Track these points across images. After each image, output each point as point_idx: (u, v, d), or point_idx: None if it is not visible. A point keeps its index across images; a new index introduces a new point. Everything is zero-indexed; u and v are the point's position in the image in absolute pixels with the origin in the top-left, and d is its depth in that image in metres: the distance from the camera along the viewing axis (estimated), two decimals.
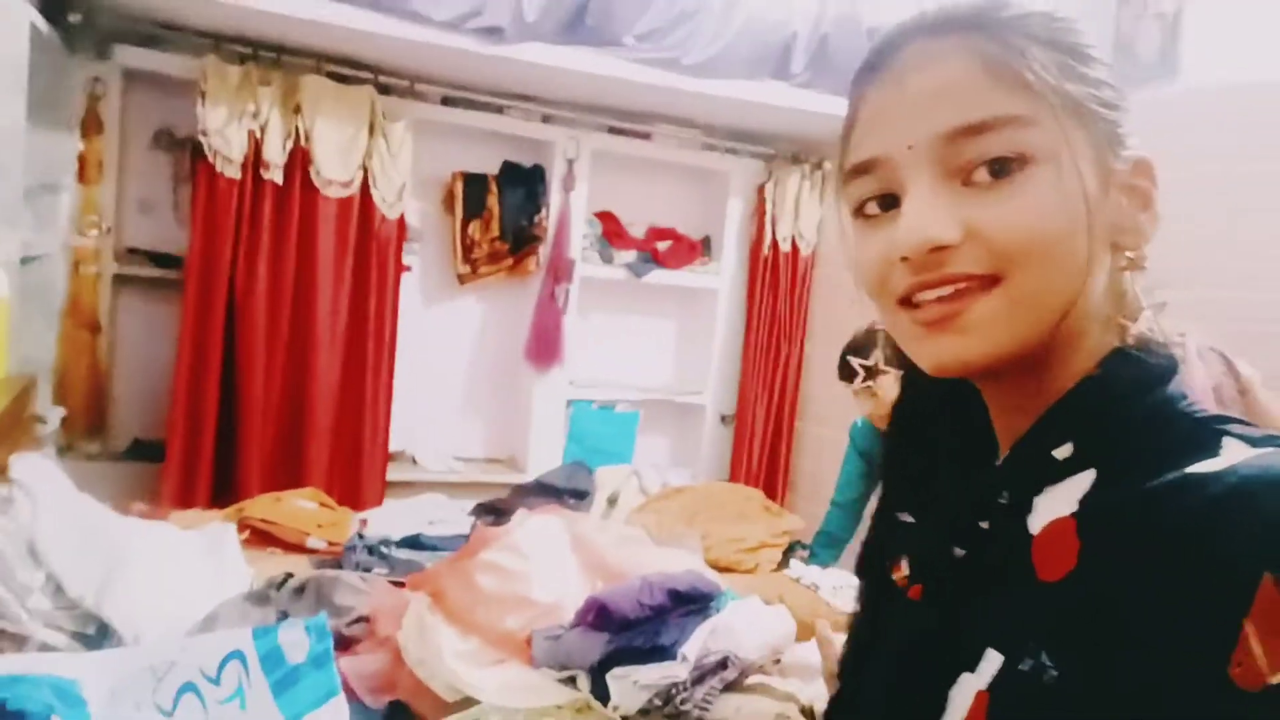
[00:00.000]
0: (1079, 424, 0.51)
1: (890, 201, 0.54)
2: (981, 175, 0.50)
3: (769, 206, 3.93)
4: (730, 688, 1.40)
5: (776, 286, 3.97)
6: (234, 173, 3.08)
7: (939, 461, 0.61)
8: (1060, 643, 0.46)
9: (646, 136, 3.86)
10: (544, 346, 3.74)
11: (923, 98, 0.52)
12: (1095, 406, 0.51)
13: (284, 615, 1.64)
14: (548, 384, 3.79)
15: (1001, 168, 0.50)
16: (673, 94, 3.31)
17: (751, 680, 1.44)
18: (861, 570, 0.66)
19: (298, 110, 3.18)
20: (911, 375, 0.65)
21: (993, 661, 0.50)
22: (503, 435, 4.01)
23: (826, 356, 3.97)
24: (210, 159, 3.05)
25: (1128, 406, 0.50)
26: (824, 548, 2.68)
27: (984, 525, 0.54)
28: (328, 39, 3.04)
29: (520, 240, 3.72)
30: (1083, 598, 0.46)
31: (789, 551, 2.41)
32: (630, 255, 3.89)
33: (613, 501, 2.54)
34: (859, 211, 0.56)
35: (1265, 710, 0.39)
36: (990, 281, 0.50)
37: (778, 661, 1.53)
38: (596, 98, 3.58)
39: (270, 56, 3.13)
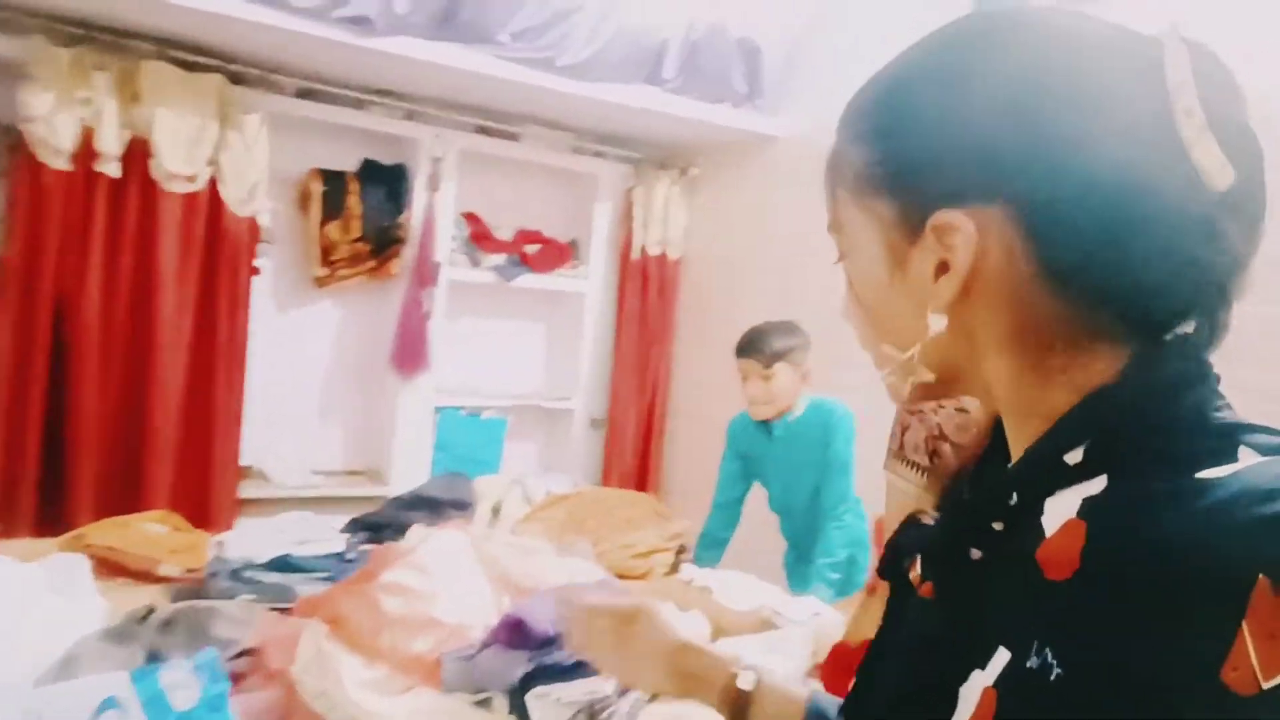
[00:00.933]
0: (1091, 430, 0.51)
1: None
2: None
3: (638, 211, 3.93)
4: (653, 697, 1.37)
5: (646, 290, 3.99)
6: (62, 164, 2.79)
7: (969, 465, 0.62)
8: (1065, 641, 0.47)
9: (514, 137, 3.78)
10: (409, 352, 3.59)
11: None
12: (1108, 414, 0.51)
13: (153, 653, 1.49)
14: (413, 391, 3.65)
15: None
16: (545, 94, 3.26)
17: None
18: (883, 570, 0.65)
19: (136, 98, 2.91)
20: None
21: (1003, 659, 0.50)
22: (364, 446, 3.83)
23: (695, 358, 4.03)
24: (33, 150, 2.75)
25: (1142, 414, 0.50)
26: (706, 549, 2.70)
27: (997, 526, 0.55)
28: (172, 22, 2.80)
29: (383, 242, 3.57)
30: (1086, 598, 0.47)
31: (679, 554, 2.41)
32: (499, 258, 3.80)
33: (496, 512, 2.46)
34: None
35: (1261, 714, 0.40)
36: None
37: None
38: (464, 95, 3.48)
39: (106, 39, 2.86)
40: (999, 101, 0.50)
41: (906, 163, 0.54)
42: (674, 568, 2.33)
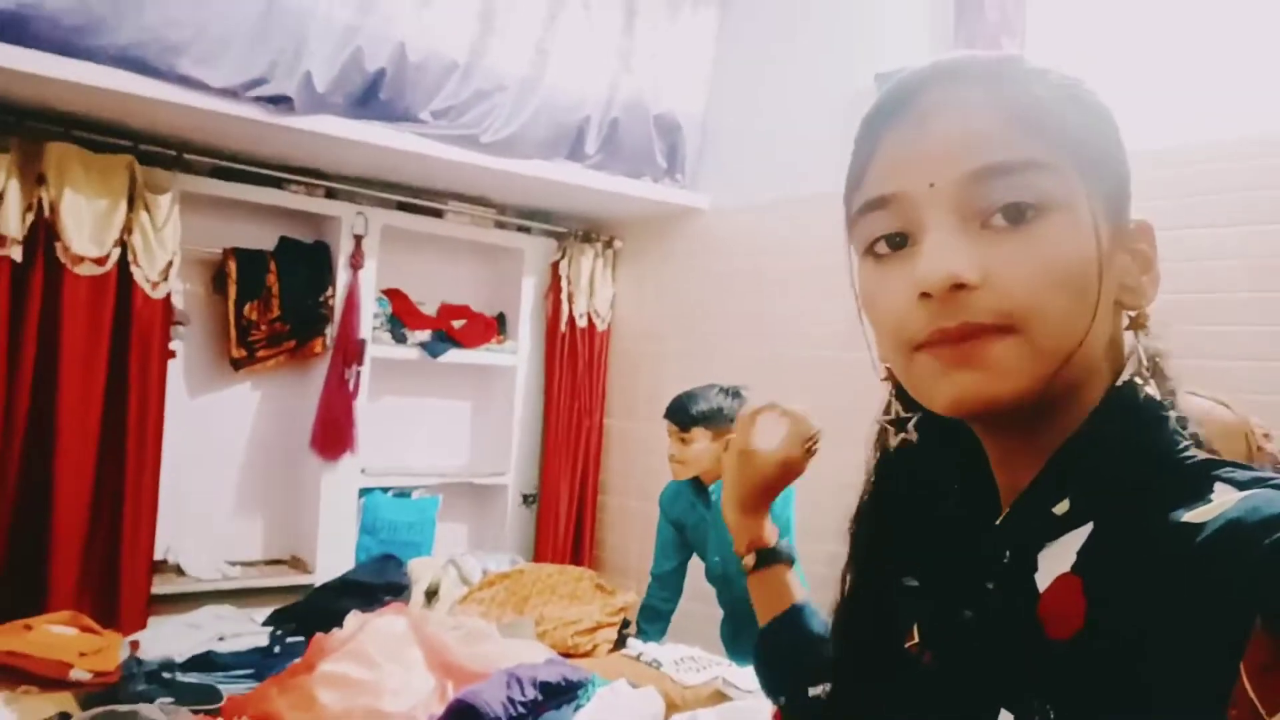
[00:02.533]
0: (1074, 479, 0.52)
1: (901, 241, 0.53)
2: (999, 220, 0.51)
3: (564, 284, 3.95)
4: None
5: (575, 362, 3.98)
6: None
7: (936, 522, 0.61)
8: (1068, 701, 0.47)
9: (438, 214, 3.78)
10: (333, 434, 3.48)
11: (946, 140, 0.52)
12: (1088, 460, 0.52)
13: None
14: (337, 474, 3.53)
15: (1019, 213, 0.50)
16: (468, 171, 3.28)
17: None
18: (852, 638, 0.64)
19: (41, 180, 2.81)
20: (922, 432, 0.63)
21: None
22: (284, 533, 3.67)
23: (625, 429, 4.01)
24: None
25: (1120, 458, 0.52)
26: (650, 623, 2.64)
27: (990, 585, 0.54)
28: (79, 102, 2.73)
29: (304, 321, 3.48)
30: (1089, 655, 0.47)
31: (624, 628, 2.35)
32: (424, 334, 3.75)
33: (432, 594, 2.38)
34: (869, 251, 0.55)
35: None
36: (1006, 330, 0.50)
37: None
38: (387, 173, 3.47)
39: (8, 119, 2.76)
40: None
41: (1123, 153, 0.56)
42: (619, 643, 2.28)
